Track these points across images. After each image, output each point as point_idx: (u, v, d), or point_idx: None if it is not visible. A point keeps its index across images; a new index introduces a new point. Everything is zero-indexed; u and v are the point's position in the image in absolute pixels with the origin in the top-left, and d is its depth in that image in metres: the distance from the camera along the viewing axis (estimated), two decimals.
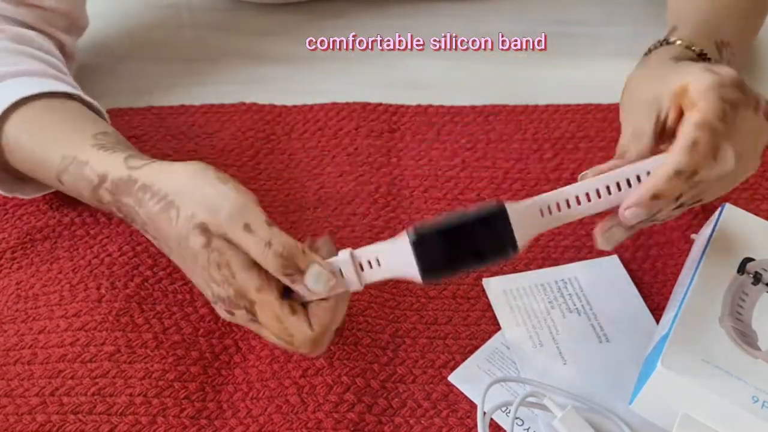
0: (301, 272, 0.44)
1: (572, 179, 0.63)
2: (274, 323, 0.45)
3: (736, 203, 0.55)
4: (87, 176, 0.52)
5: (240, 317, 0.46)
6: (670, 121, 0.48)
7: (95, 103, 0.59)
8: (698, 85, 0.46)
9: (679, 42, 0.56)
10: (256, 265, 0.45)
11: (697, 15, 0.60)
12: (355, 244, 0.58)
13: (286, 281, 0.45)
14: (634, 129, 0.49)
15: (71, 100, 0.58)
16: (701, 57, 0.55)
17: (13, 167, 0.58)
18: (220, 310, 0.47)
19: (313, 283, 0.44)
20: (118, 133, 0.56)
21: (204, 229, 0.45)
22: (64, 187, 0.55)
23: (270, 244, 0.44)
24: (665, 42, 0.57)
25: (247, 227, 0.44)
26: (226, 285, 0.45)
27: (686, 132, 0.44)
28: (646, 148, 0.47)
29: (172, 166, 0.49)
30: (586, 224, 0.60)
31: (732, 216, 0.53)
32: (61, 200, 0.62)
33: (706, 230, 0.55)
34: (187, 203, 0.46)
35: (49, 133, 0.55)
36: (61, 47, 0.66)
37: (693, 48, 0.55)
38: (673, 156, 0.44)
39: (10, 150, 0.56)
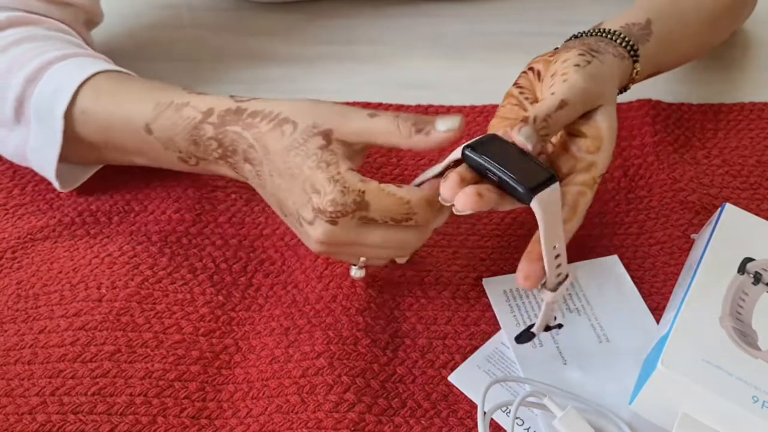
0: (432, 124, 0.48)
1: None
2: (388, 199, 0.47)
3: (736, 203, 0.55)
4: (187, 115, 0.53)
5: (344, 224, 0.48)
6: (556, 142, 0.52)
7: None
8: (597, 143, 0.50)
9: (635, 71, 0.57)
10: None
11: (668, 28, 0.61)
12: None
13: (419, 139, 0.48)
14: (573, 108, 0.50)
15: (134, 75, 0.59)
16: (623, 89, 0.59)
17: (76, 142, 0.57)
18: (316, 232, 0.48)
19: (443, 123, 0.48)
20: None
21: (326, 134, 0.49)
22: (151, 138, 0.54)
23: (398, 115, 0.49)
24: (635, 54, 0.57)
25: (372, 115, 0.49)
26: (332, 183, 0.47)
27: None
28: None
29: (282, 100, 0.52)
30: (586, 224, 0.60)
31: (732, 216, 0.53)
32: (62, 200, 0.62)
33: (706, 230, 0.55)
34: (308, 116, 0.50)
35: (134, 90, 0.56)
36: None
37: (632, 79, 0.58)
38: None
39: (84, 120, 0.56)
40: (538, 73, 0.54)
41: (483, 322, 0.54)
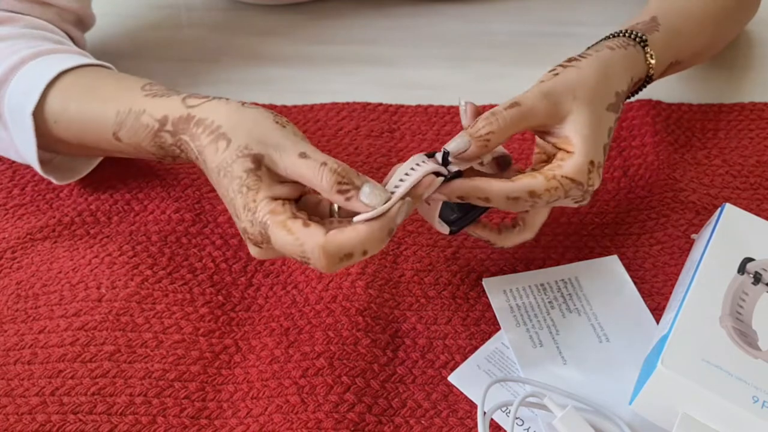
0: (357, 188, 0.45)
1: None
2: (285, 238, 0.45)
3: (736, 203, 0.55)
4: (146, 123, 0.52)
5: (265, 250, 0.47)
6: (547, 145, 0.53)
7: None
8: (577, 161, 0.50)
9: (649, 55, 0.57)
10: (277, 200, 0.46)
11: (675, 21, 0.61)
12: None
13: (338, 199, 0.45)
14: (527, 109, 0.50)
15: (105, 69, 0.59)
16: (648, 78, 0.59)
17: (56, 141, 0.57)
18: (250, 246, 0.48)
19: (367, 196, 0.45)
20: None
21: (256, 158, 0.46)
22: (122, 144, 0.54)
23: (325, 164, 0.45)
24: (641, 40, 0.58)
25: (302, 155, 0.46)
26: (246, 212, 0.46)
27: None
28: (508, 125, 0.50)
29: (231, 104, 0.50)
30: (587, 224, 0.60)
31: (732, 216, 0.53)
32: (62, 200, 0.62)
33: (706, 230, 0.55)
34: (242, 136, 0.47)
35: (98, 94, 0.55)
36: (72, 41, 0.67)
37: (650, 65, 0.58)
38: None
39: (55, 120, 0.56)
40: None
41: (483, 322, 0.54)
